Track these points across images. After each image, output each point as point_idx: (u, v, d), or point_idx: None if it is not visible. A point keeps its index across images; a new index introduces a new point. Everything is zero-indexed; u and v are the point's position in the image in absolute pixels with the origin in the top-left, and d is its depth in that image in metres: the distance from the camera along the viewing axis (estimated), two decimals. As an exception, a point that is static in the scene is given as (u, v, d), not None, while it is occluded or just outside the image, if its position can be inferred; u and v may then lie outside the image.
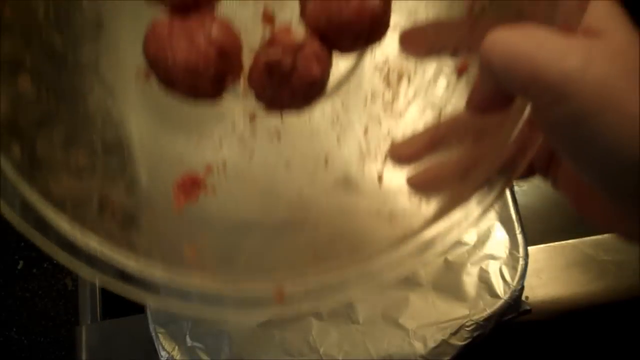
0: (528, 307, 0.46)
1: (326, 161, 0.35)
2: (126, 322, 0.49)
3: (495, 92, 0.24)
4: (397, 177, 0.32)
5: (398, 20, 0.34)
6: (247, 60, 0.32)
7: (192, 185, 0.33)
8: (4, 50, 0.30)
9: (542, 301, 0.48)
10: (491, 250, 0.46)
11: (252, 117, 0.36)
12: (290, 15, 0.35)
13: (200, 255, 0.29)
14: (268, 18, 0.36)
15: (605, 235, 0.50)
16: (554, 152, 0.27)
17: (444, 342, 0.43)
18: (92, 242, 0.26)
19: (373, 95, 0.37)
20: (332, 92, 0.37)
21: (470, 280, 0.45)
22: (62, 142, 0.31)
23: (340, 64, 0.36)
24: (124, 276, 0.26)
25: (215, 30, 0.31)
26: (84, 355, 0.47)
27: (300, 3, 0.32)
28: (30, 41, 0.32)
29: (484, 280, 0.45)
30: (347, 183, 0.35)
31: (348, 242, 0.30)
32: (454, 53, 0.33)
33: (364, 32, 0.31)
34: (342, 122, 0.37)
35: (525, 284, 0.45)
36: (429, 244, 0.26)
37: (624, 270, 0.49)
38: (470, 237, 0.47)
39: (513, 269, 0.45)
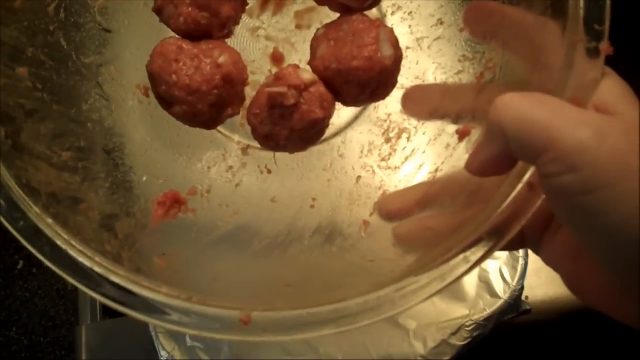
0: (528, 307, 0.46)
1: (313, 202, 0.35)
2: (126, 322, 0.49)
3: (498, 155, 0.24)
4: (383, 225, 0.32)
5: (404, 82, 0.34)
6: (249, 95, 0.32)
7: (172, 204, 0.32)
8: (8, 35, 0.30)
9: (542, 301, 0.48)
10: (491, 250, 0.46)
11: (245, 151, 0.36)
12: (299, 59, 0.35)
13: (170, 268, 0.29)
14: (277, 58, 0.36)
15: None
16: (547, 227, 0.27)
17: (444, 342, 0.43)
18: (60, 236, 0.26)
19: (370, 148, 0.37)
20: (329, 139, 0.37)
21: (470, 280, 0.45)
22: (48, 137, 0.31)
23: (342, 114, 0.37)
24: (85, 274, 0.26)
25: (222, 58, 0.30)
26: (84, 355, 0.47)
27: (311, 48, 0.32)
28: (36, 34, 0.32)
29: (484, 280, 0.45)
30: (332, 225, 0.34)
31: (326, 282, 0.30)
32: (456, 120, 0.33)
33: (371, 84, 0.31)
34: (335, 168, 0.37)
35: (525, 284, 0.45)
36: (407, 294, 0.26)
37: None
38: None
39: (513, 269, 0.45)
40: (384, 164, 0.36)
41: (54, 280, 0.54)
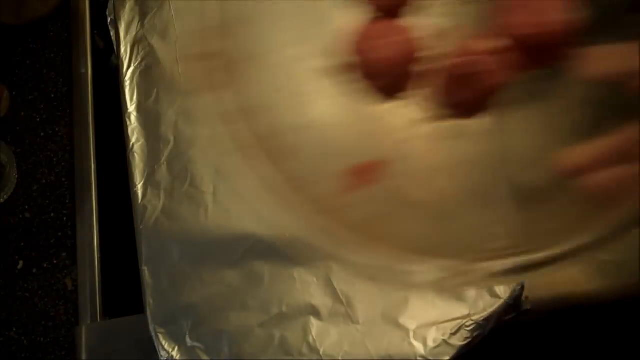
0: (528, 307, 0.46)
1: (498, 165, 0.37)
2: (126, 322, 0.49)
3: None
4: (568, 180, 0.33)
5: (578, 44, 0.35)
6: (424, 71, 0.36)
7: (363, 174, 0.36)
8: None
9: (542, 301, 0.48)
10: (491, 250, 0.46)
11: (428, 120, 0.38)
12: (472, 32, 0.38)
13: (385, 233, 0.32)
14: (451, 32, 0.39)
15: (605, 235, 0.50)
16: None
17: (444, 342, 0.43)
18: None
19: (552, 107, 0.38)
20: (510, 103, 0.38)
21: (470, 280, 0.45)
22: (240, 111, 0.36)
23: (520, 77, 0.37)
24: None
25: (408, 35, 0.35)
26: (84, 355, 0.47)
27: (490, 18, 0.35)
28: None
29: (484, 280, 0.45)
30: (522, 184, 0.36)
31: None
32: (634, 75, 0.33)
33: (550, 48, 0.33)
34: (517, 130, 0.38)
35: (525, 284, 0.45)
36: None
37: (624, 270, 0.49)
38: (470, 237, 0.47)
39: (513, 269, 0.45)
40: (566, 123, 0.37)
41: (54, 280, 0.54)
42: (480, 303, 0.45)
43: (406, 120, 0.38)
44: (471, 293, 0.45)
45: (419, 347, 0.43)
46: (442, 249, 0.31)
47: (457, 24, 0.38)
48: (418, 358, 0.43)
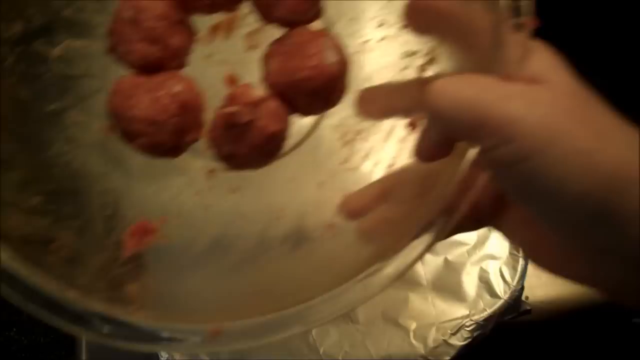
0: (528, 307, 0.46)
1: (281, 213, 0.36)
2: (126, 322, 0.49)
3: (439, 139, 0.25)
4: (346, 224, 0.34)
5: (355, 86, 0.35)
6: (208, 120, 0.34)
7: (144, 234, 0.34)
8: None
9: (542, 301, 0.48)
10: (491, 250, 0.46)
11: (211, 173, 0.38)
12: (253, 78, 0.37)
13: (143, 293, 0.31)
14: (231, 80, 0.38)
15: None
16: (500, 202, 0.28)
17: (444, 342, 0.43)
18: (33, 276, 0.28)
19: (329, 153, 0.38)
20: (290, 150, 0.38)
21: (470, 280, 0.45)
22: (16, 185, 0.32)
23: (299, 125, 0.38)
24: (62, 310, 0.28)
25: (177, 87, 0.32)
26: (83, 355, 0.47)
27: (263, 65, 0.34)
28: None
29: (484, 280, 0.45)
30: (299, 232, 0.36)
31: (293, 285, 0.31)
32: (407, 115, 0.34)
33: (321, 92, 0.32)
34: (298, 177, 0.38)
35: (525, 284, 0.45)
36: (368, 285, 0.27)
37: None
38: (470, 237, 0.47)
39: (513, 269, 0.46)
40: (343, 166, 0.37)
41: (54, 280, 0.54)
42: (480, 303, 0.45)
43: (188, 174, 0.37)
44: (471, 293, 0.45)
45: (419, 347, 0.43)
46: (210, 310, 0.31)
47: (242, 71, 0.37)
48: (418, 358, 0.43)
